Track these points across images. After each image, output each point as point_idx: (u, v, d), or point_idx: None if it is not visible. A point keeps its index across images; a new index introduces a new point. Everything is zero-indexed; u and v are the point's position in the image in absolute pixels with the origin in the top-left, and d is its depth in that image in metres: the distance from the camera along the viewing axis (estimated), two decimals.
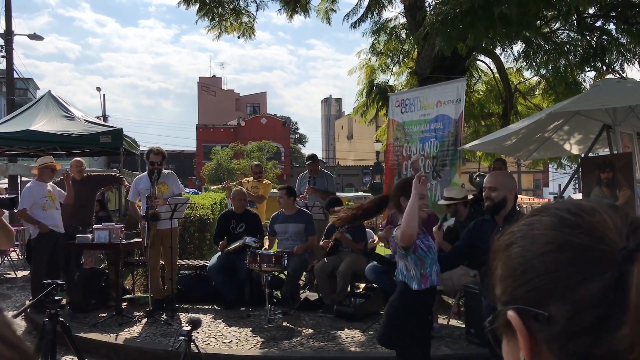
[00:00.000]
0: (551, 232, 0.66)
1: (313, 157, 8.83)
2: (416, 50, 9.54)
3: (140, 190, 6.96)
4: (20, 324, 6.87)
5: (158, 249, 6.99)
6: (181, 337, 4.01)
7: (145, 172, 6.98)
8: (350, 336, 5.89)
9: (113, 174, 9.59)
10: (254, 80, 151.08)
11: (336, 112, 66.45)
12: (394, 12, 11.83)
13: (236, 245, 7.02)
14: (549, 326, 0.62)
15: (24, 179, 14.50)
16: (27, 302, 7.03)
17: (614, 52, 8.18)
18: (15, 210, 6.76)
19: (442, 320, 6.34)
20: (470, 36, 6.30)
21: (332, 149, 61.50)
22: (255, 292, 7.35)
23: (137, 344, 5.68)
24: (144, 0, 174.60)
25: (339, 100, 68.63)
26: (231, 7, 9.90)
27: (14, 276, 10.61)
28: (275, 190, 8.37)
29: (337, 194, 9.83)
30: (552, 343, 0.62)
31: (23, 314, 6.62)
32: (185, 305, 7.10)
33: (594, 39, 8.45)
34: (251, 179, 9.26)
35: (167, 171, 7.23)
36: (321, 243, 7.18)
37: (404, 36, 10.65)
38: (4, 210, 3.39)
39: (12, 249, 11.93)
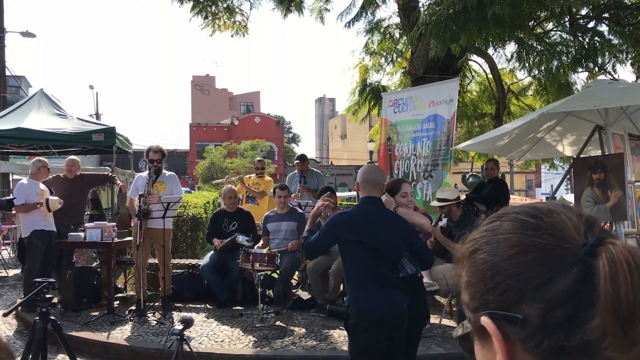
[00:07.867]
0: (515, 235, 0.68)
1: (302, 157, 8.86)
2: (410, 50, 9.56)
3: (138, 187, 6.98)
4: (11, 323, 6.84)
5: (148, 248, 6.97)
6: (173, 336, 4.01)
7: (147, 171, 7.02)
8: (343, 335, 5.88)
9: (106, 172, 9.54)
10: (248, 79, 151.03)
11: (330, 111, 66.38)
12: (387, 12, 11.88)
13: (227, 241, 7.01)
14: (523, 326, 0.64)
15: (15, 176, 14.41)
16: (19, 301, 7.00)
17: (606, 53, 8.24)
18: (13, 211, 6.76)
19: (434, 319, 6.35)
20: (463, 37, 6.32)
21: (325, 148, 61.45)
22: (248, 291, 7.35)
23: (129, 343, 5.66)
24: None
25: (332, 100, 68.54)
26: (224, 5, 9.88)
27: (5, 274, 10.54)
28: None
29: None
30: (528, 342, 0.64)
31: (14, 313, 6.59)
32: (177, 304, 7.08)
33: (587, 40, 8.49)
34: (253, 175, 9.32)
35: (168, 172, 7.23)
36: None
37: (398, 36, 10.68)
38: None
39: (3, 247, 11.88)
